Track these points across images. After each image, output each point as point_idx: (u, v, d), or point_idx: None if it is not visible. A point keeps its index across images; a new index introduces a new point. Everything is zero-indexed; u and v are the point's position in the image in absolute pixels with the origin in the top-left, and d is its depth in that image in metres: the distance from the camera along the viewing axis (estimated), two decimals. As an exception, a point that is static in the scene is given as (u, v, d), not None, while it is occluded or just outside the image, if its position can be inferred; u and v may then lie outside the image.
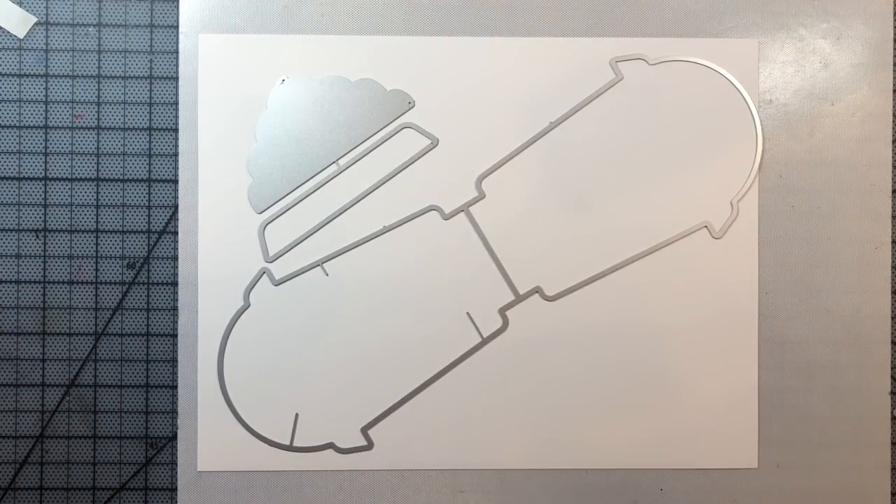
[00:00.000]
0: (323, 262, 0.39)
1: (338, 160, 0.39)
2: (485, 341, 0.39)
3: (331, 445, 0.39)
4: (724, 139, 0.39)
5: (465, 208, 0.39)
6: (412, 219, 0.39)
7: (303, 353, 0.39)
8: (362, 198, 0.39)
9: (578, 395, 0.39)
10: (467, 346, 0.39)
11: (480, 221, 0.39)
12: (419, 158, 0.39)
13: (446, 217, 0.39)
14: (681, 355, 0.39)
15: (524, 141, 0.39)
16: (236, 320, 0.39)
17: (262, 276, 0.39)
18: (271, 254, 0.39)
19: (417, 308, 0.39)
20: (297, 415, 0.39)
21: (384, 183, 0.39)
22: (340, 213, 0.39)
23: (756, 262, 0.39)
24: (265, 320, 0.39)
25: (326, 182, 0.39)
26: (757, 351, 0.39)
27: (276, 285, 0.39)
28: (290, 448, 0.39)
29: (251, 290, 0.39)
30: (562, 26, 0.39)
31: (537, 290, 0.39)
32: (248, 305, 0.39)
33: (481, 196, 0.39)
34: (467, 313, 0.39)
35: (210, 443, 0.39)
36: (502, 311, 0.39)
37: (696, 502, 0.39)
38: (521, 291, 0.39)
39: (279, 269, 0.39)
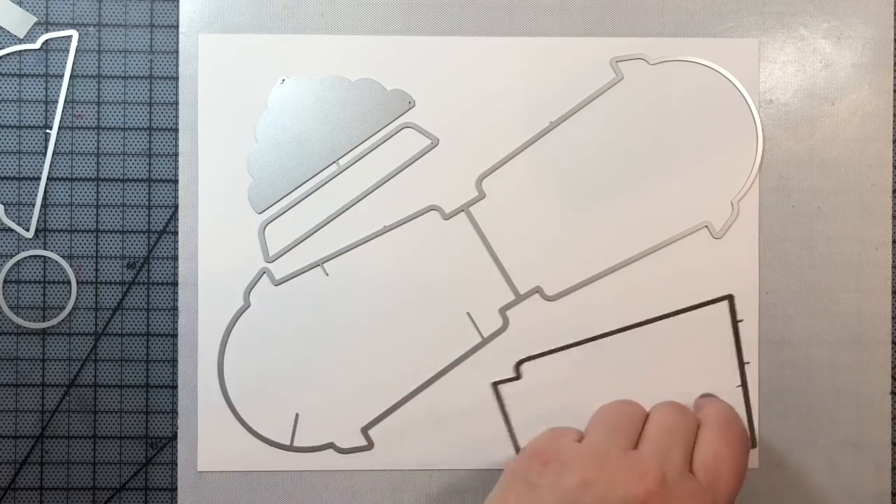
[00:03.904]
0: (323, 262, 0.39)
1: (338, 160, 0.39)
2: (485, 341, 0.39)
3: (331, 445, 0.39)
4: (725, 139, 0.39)
5: (465, 208, 0.39)
6: (412, 219, 0.39)
7: (303, 352, 0.39)
8: (362, 198, 0.39)
9: (579, 395, 0.39)
10: (467, 345, 0.39)
11: (481, 221, 0.39)
12: (419, 158, 0.39)
13: (446, 217, 0.39)
14: (681, 355, 0.39)
15: (524, 141, 0.39)
16: (236, 320, 0.39)
17: (262, 275, 0.39)
18: (271, 254, 0.39)
19: (417, 308, 0.39)
20: (297, 415, 0.39)
21: (384, 183, 0.39)
22: (341, 213, 0.39)
23: (756, 263, 0.39)
24: (265, 320, 0.39)
25: (327, 182, 0.39)
26: (757, 351, 0.39)
27: (276, 285, 0.39)
28: (290, 448, 0.39)
29: (251, 289, 0.39)
30: (562, 26, 0.39)
31: (538, 290, 0.39)
32: (248, 305, 0.39)
33: (481, 196, 0.39)
34: (467, 313, 0.39)
35: (210, 443, 0.39)
36: (502, 311, 0.39)
37: (696, 502, 0.39)
38: (522, 291, 0.39)
39: (279, 269, 0.39)
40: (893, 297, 0.39)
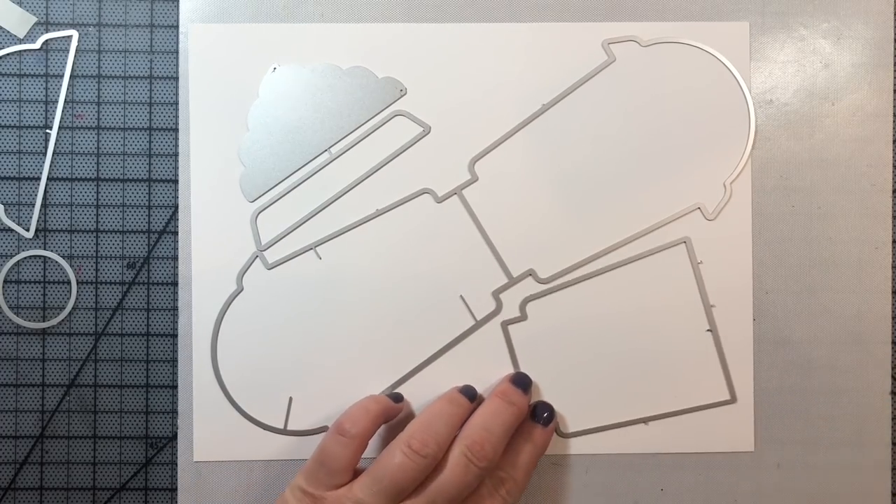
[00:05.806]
0: (316, 246, 0.39)
1: (329, 148, 0.39)
2: (478, 324, 0.39)
3: (325, 429, 0.39)
4: (716, 121, 0.39)
5: (457, 191, 0.39)
6: (405, 202, 0.39)
7: (296, 336, 0.39)
8: (354, 186, 0.39)
9: (571, 380, 0.39)
10: (461, 328, 0.39)
11: (473, 204, 0.39)
12: (411, 146, 0.39)
13: (439, 200, 0.39)
14: (677, 339, 0.39)
15: (516, 124, 0.39)
16: (230, 304, 0.39)
17: (254, 259, 0.39)
18: (264, 242, 0.39)
19: (411, 291, 0.39)
20: (290, 398, 0.39)
21: (376, 171, 0.39)
22: (332, 202, 0.39)
23: (750, 243, 0.39)
24: (259, 304, 0.39)
25: (318, 170, 0.39)
26: (752, 329, 0.39)
27: (269, 269, 0.39)
28: (283, 432, 0.39)
29: (244, 273, 0.39)
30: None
31: (531, 273, 0.39)
32: (242, 289, 0.39)
33: (474, 179, 0.39)
34: (461, 296, 0.39)
35: (205, 430, 0.38)
36: (496, 294, 0.39)
37: (696, 502, 0.39)
38: (515, 274, 0.39)
39: (272, 258, 0.39)
40: (893, 297, 0.39)
